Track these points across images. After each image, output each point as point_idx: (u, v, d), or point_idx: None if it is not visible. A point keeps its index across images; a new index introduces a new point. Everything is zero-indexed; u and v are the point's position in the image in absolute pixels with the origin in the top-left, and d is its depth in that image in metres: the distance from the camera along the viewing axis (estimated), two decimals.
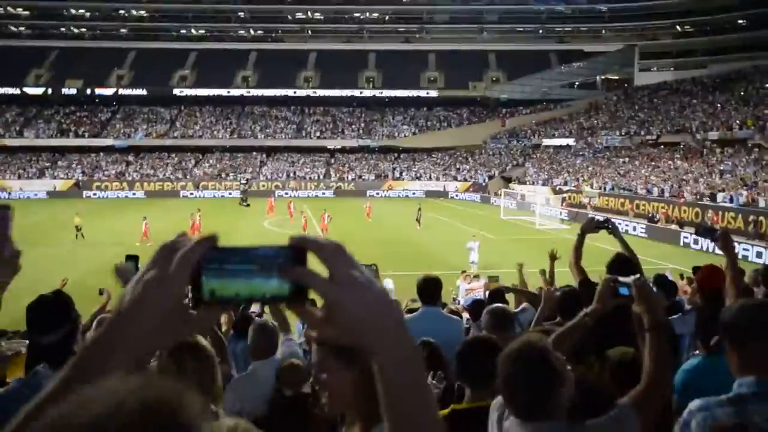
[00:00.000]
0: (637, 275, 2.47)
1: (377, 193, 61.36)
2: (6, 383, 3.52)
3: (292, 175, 65.62)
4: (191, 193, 60.04)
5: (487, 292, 6.27)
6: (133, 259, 4.12)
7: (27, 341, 3.37)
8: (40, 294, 3.09)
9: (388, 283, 12.20)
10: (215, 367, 2.43)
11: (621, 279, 2.49)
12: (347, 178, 65.35)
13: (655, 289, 4.90)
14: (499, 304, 4.56)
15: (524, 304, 6.39)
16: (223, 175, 64.56)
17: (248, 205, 44.95)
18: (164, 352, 2.32)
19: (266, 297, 0.79)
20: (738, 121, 43.25)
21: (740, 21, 65.12)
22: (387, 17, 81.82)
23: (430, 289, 5.00)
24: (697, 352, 3.19)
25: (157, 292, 0.79)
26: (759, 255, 24.72)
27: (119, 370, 0.76)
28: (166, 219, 35.89)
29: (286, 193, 59.25)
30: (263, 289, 0.78)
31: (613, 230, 4.72)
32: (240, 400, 3.30)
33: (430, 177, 64.86)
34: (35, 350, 3.01)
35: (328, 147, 71.06)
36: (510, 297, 8.61)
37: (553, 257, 7.52)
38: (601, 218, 4.85)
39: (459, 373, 2.76)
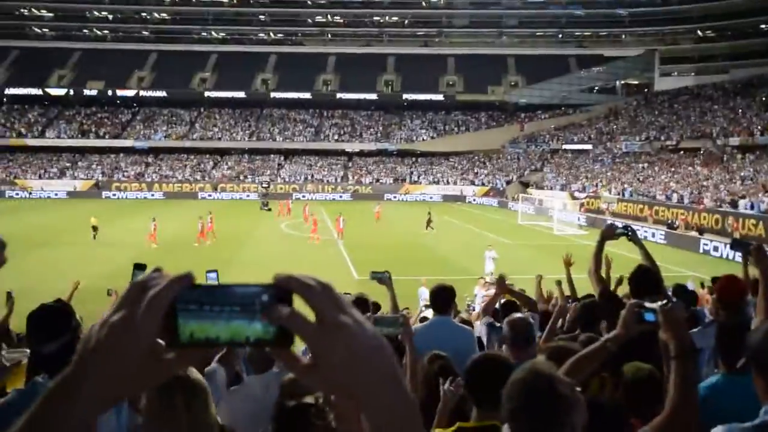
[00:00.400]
0: (664, 301, 2.36)
1: (394, 197, 61.42)
2: (6, 393, 3.48)
3: (309, 178, 65.79)
4: (209, 195, 60.40)
5: (498, 305, 6.10)
6: (141, 268, 4.08)
7: (28, 350, 3.34)
8: (41, 303, 3.06)
9: (423, 293, 11.90)
10: (208, 401, 2.31)
11: (647, 305, 2.39)
12: (365, 181, 65.43)
13: (675, 299, 4.81)
14: (519, 315, 4.40)
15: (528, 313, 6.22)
16: (242, 178, 64.86)
17: (270, 210, 45.08)
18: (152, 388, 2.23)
19: (249, 340, 0.71)
20: (759, 127, 42.66)
21: (762, 26, 64.25)
22: (406, 21, 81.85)
23: (442, 298, 4.96)
24: (717, 369, 3.05)
25: (123, 338, 0.72)
26: None
27: (86, 413, 0.71)
28: (181, 220, 36.10)
29: (304, 196, 59.39)
30: (246, 332, 0.71)
31: (633, 237, 4.59)
32: (232, 414, 3.22)
33: (447, 181, 64.69)
34: (36, 360, 2.98)
35: (346, 150, 71.20)
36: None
37: (568, 263, 7.32)
38: (621, 225, 4.70)
39: (467, 390, 2.66)
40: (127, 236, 30.54)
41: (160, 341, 0.73)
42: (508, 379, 1.91)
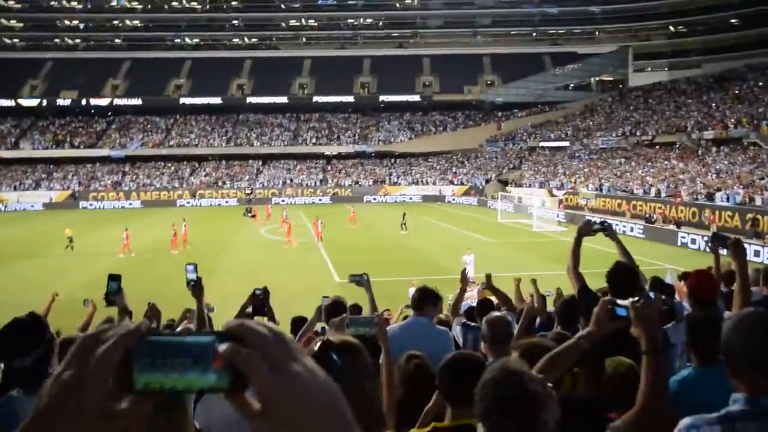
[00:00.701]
0: (636, 297, 2.37)
1: (374, 199, 61.47)
2: None
3: (288, 182, 65.59)
4: (188, 202, 59.99)
5: (476, 302, 6.17)
6: (115, 279, 4.03)
7: (2, 364, 3.29)
8: (14, 317, 3.01)
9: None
10: (186, 406, 2.26)
11: (619, 301, 2.40)
12: (344, 184, 65.33)
13: (652, 294, 4.84)
14: (496, 314, 4.41)
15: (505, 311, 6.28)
16: (220, 184, 64.48)
17: (254, 216, 44.81)
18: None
19: (204, 389, 0.71)
20: (733, 120, 43.31)
21: (733, 21, 65.37)
22: (381, 23, 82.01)
23: (420, 298, 4.99)
24: (689, 363, 3.08)
25: (73, 396, 0.70)
26: (757, 254, 24.63)
27: None
28: (158, 228, 35.67)
29: (283, 201, 59.40)
30: (200, 383, 0.70)
31: (610, 233, 4.60)
32: (208, 419, 3.19)
33: (426, 181, 64.82)
34: (9, 374, 2.91)
35: (325, 153, 71.11)
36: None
37: (533, 282, 7.49)
38: (598, 221, 4.72)
39: (440, 390, 2.65)
40: (103, 246, 30.22)
41: (116, 387, 0.71)
42: (481, 378, 1.91)
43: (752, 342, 1.90)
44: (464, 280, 6.80)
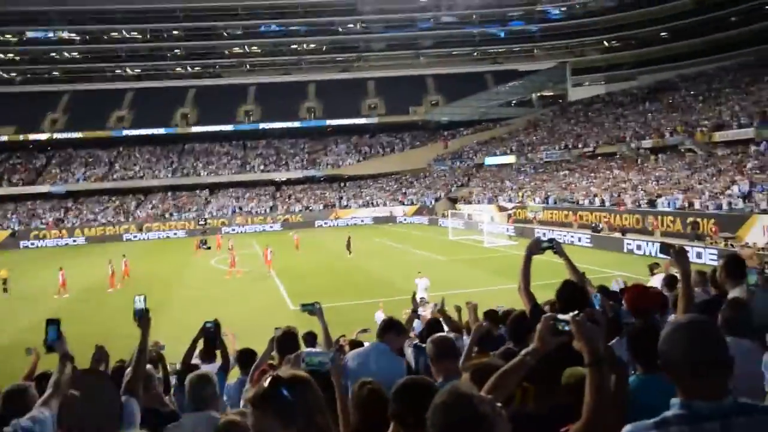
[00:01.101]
0: (576, 312, 2.42)
1: (326, 223, 61.20)
2: None
3: (238, 210, 64.78)
4: (135, 236, 58.48)
5: (424, 323, 6.22)
6: (54, 323, 3.88)
7: None
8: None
9: (380, 317, 11.53)
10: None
11: (560, 316, 2.44)
12: (294, 209, 64.90)
13: (599, 302, 4.95)
14: (441, 334, 4.49)
15: (453, 335, 6.27)
16: (167, 216, 63.22)
17: (209, 248, 43.96)
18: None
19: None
20: (668, 129, 44.86)
21: (663, 33, 68.03)
22: (324, 47, 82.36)
23: (384, 327, 4.98)
24: (633, 372, 3.16)
25: None
26: (699, 255, 25.45)
27: None
28: (100, 267, 34.25)
29: (233, 230, 58.72)
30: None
31: (558, 251, 4.68)
32: None
33: (377, 203, 64.93)
34: None
35: (274, 180, 70.65)
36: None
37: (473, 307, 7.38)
38: (546, 238, 4.77)
39: (393, 417, 2.64)
40: (44, 287, 28.96)
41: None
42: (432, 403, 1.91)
43: (687, 348, 1.96)
44: (414, 303, 6.84)
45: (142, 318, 3.92)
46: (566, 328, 2.38)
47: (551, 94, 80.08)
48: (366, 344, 5.70)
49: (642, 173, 41.14)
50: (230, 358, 6.36)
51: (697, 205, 31.35)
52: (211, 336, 6.05)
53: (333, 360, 3.18)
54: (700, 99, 49.27)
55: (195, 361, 6.79)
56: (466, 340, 5.96)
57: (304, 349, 5.24)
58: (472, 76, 78.12)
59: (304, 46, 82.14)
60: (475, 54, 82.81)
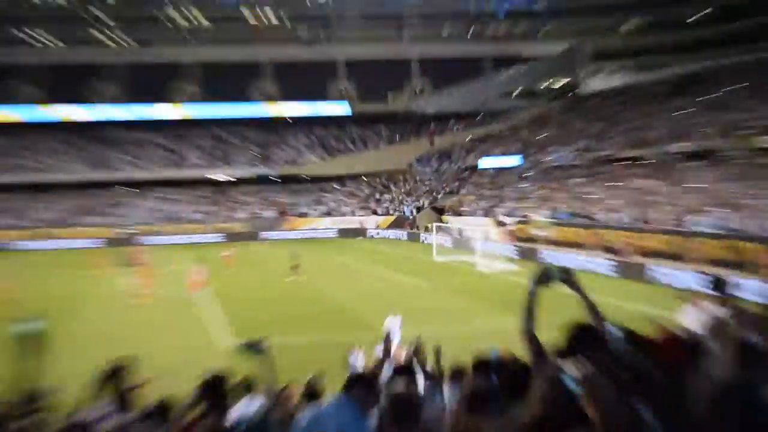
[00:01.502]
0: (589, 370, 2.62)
1: (276, 235, 60.39)
2: None
3: (168, 215, 63.86)
4: (30, 245, 56.66)
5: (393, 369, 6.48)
6: None
7: None
8: None
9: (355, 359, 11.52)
10: None
11: (567, 371, 2.70)
12: (238, 216, 64.34)
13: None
14: (401, 391, 4.33)
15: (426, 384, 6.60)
16: (76, 220, 62.19)
17: (132, 265, 42.83)
18: None
19: None
20: (706, 130, 44.72)
21: (702, 12, 68.25)
22: (285, 16, 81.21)
23: (352, 380, 5.18)
24: None
25: None
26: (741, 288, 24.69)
27: None
28: None
29: (162, 240, 57.81)
30: None
31: (570, 282, 4.42)
32: None
33: (343, 212, 64.58)
34: None
35: (214, 179, 70.06)
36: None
37: None
38: (557, 266, 4.59)
39: None
40: None
41: None
42: None
43: None
44: (387, 348, 7.48)
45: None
46: (574, 387, 2.57)
47: (561, 83, 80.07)
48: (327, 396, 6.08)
49: (673, 184, 40.89)
50: None
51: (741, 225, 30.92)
52: (114, 383, 5.87)
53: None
54: (747, 95, 49.24)
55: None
56: (447, 390, 6.42)
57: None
58: (466, 60, 78.21)
59: (260, 13, 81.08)
60: (470, 33, 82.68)
